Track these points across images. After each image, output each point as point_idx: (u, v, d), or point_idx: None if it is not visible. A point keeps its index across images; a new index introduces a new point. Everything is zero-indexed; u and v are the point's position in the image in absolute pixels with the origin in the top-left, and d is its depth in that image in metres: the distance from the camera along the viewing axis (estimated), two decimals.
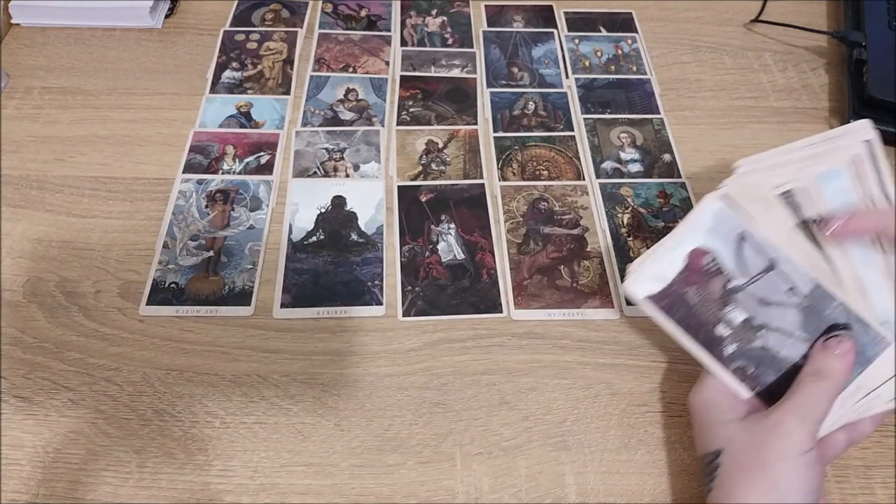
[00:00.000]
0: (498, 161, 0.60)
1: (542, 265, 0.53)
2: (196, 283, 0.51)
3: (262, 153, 0.60)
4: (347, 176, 0.58)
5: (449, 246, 0.54)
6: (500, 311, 0.50)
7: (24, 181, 0.57)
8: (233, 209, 0.55)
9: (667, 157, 0.61)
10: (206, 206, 0.56)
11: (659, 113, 0.65)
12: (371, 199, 0.57)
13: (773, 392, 0.38)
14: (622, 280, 0.45)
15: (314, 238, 0.54)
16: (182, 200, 0.56)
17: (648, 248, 0.43)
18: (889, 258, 0.37)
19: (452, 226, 0.55)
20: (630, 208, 0.57)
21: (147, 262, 0.52)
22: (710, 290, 0.38)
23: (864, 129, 0.39)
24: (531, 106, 0.65)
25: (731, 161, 0.42)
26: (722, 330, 0.38)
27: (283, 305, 0.50)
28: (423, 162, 0.60)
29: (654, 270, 0.39)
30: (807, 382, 0.36)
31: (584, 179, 0.59)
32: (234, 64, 0.68)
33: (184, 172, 0.58)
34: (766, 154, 0.40)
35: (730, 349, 0.38)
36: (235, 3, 0.74)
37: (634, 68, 0.69)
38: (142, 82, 0.66)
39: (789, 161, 0.39)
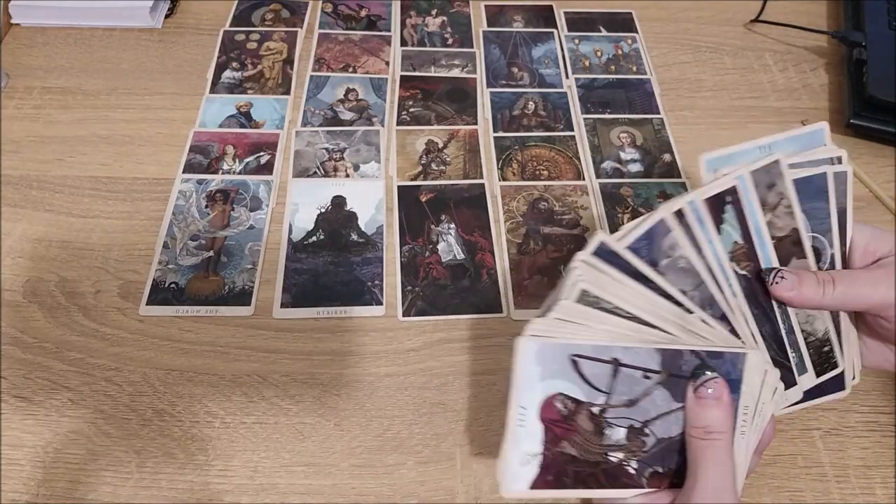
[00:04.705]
0: (498, 161, 0.60)
1: (542, 265, 0.53)
2: (196, 283, 0.51)
3: (262, 153, 0.60)
4: (347, 176, 0.58)
5: (449, 246, 0.54)
6: (501, 311, 0.50)
7: (24, 181, 0.57)
8: (233, 209, 0.55)
9: (667, 157, 0.61)
10: (206, 206, 0.56)
11: (659, 113, 0.65)
12: (371, 199, 0.57)
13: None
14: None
15: (314, 238, 0.54)
16: (182, 200, 0.56)
17: None
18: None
19: (452, 226, 0.55)
20: (630, 208, 0.57)
21: (147, 262, 0.52)
22: (583, 430, 0.34)
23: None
24: (531, 106, 0.65)
25: None
26: (614, 456, 0.34)
27: (283, 305, 0.50)
28: (423, 162, 0.60)
29: (517, 455, 0.33)
30: (699, 448, 0.33)
31: (584, 179, 0.59)
32: (234, 64, 0.68)
33: (184, 172, 0.58)
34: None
35: (633, 466, 0.34)
36: (235, 3, 0.74)
37: (634, 68, 0.69)
38: (142, 82, 0.66)
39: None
